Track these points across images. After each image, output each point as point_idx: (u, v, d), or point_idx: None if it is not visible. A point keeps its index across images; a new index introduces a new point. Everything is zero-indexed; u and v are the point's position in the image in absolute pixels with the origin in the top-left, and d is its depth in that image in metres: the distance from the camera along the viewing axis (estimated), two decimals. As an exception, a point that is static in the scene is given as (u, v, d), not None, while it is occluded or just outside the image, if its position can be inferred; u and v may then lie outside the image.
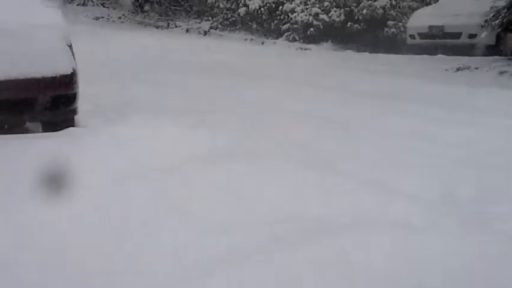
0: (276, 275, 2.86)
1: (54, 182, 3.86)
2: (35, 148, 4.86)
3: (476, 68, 13.57)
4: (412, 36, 17.57)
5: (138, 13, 25.91)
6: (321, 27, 20.18)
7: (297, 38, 20.34)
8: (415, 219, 3.51)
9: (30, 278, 3.08)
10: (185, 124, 5.36)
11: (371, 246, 3.03)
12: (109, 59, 12.81)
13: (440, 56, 15.46)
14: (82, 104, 6.44)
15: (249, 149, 4.64)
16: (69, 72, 6.05)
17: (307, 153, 5.25)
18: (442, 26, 16.48)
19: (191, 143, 4.50)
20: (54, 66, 5.98)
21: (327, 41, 20.11)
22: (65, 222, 3.52)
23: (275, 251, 3.04)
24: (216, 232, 3.31)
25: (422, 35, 17.12)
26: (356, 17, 20.51)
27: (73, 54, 6.24)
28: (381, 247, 3.02)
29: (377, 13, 20.51)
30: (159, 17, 25.31)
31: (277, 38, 20.91)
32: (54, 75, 5.95)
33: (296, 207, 3.56)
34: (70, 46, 6.25)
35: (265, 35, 21.50)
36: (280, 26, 21.05)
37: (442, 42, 16.36)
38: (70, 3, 25.20)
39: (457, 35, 16.27)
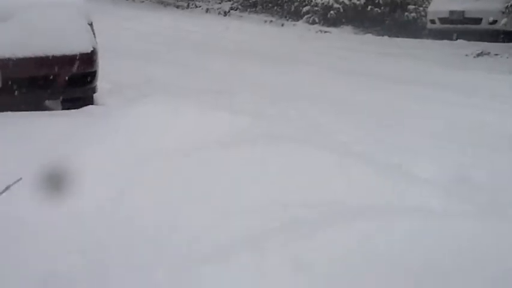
0: (294, 259, 2.88)
1: (72, 161, 3.89)
2: (53, 126, 4.89)
3: (496, 54, 13.52)
4: (432, 21, 17.50)
5: (158, -8, 25.87)
6: (341, 10, 20.12)
7: (317, 21, 20.30)
8: (433, 204, 3.52)
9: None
10: (204, 105, 5.37)
11: (390, 231, 3.03)
12: (129, 38, 12.84)
13: (460, 41, 15.40)
14: (101, 83, 6.47)
15: (268, 131, 4.65)
16: (89, 51, 6.08)
17: (325, 136, 5.26)
18: (463, 12, 16.40)
19: (211, 125, 4.51)
20: (75, 44, 6.02)
21: (347, 24, 20.06)
22: (82, 203, 3.55)
23: (293, 235, 3.05)
24: (234, 214, 3.33)
25: (442, 20, 17.04)
26: (377, 1, 20.42)
27: (93, 33, 6.27)
28: (400, 233, 3.02)
29: (398, -3, 20.43)
30: (180, -3, 25.29)
31: (297, 20, 20.87)
32: (74, 53, 5.99)
33: (315, 191, 3.57)
34: (91, 24, 6.27)
35: (285, 17, 21.47)
36: (301, 8, 21.01)
37: (463, 28, 16.28)
38: (91, -19, 25.23)
39: (478, 21, 16.19)
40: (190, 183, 3.68)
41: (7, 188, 2.56)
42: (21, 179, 2.66)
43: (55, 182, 3.68)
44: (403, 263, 2.84)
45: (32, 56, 5.80)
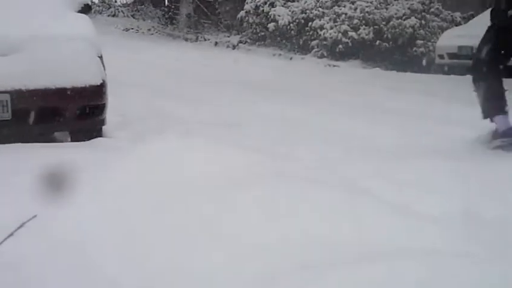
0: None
1: (84, 196, 3.87)
2: (62, 157, 4.88)
3: (505, 90, 13.49)
4: (441, 56, 17.52)
5: (167, 25, 26.06)
6: (350, 44, 20.18)
7: (326, 55, 20.37)
8: (441, 246, 3.48)
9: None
10: (216, 141, 5.35)
11: (399, 277, 2.99)
12: (138, 71, 12.88)
13: (468, 76, 15.35)
14: (109, 115, 6.47)
15: (278, 169, 4.62)
16: (98, 83, 6.09)
17: (334, 173, 5.22)
18: (472, 47, 16.38)
19: (222, 162, 4.50)
20: (84, 77, 6.02)
21: (355, 58, 20.12)
22: (91, 240, 3.52)
23: (305, 277, 3.02)
24: (245, 255, 3.30)
25: (451, 55, 17.06)
26: (385, 36, 20.49)
27: (103, 65, 6.28)
28: (409, 278, 2.98)
29: (406, 32, 20.49)
30: (188, 30, 25.46)
31: (306, 54, 20.95)
32: (84, 86, 5.99)
33: (325, 232, 3.54)
34: (100, 57, 6.29)
35: (294, 51, 21.56)
36: (309, 42, 21.09)
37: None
38: (101, 14, 25.44)
39: (487, 56, 16.19)
40: (202, 223, 3.65)
41: (21, 225, 2.51)
42: (36, 216, 2.61)
43: (65, 215, 3.66)
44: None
45: (42, 87, 5.81)
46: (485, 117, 6.83)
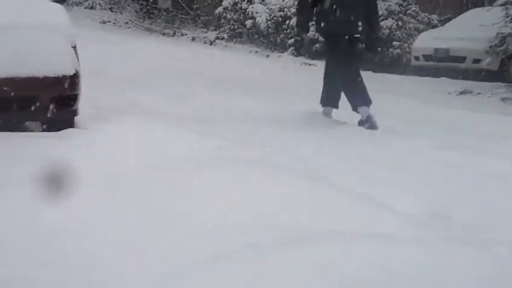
0: (250, 280, 2.89)
1: (40, 181, 3.87)
2: (32, 147, 4.86)
3: (479, 93, 13.61)
4: (416, 58, 17.62)
5: (145, 19, 25.92)
6: (327, 44, 20.19)
7: (302, 53, 20.38)
8: (401, 233, 3.52)
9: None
10: (177, 128, 5.36)
11: (349, 255, 3.04)
12: (113, 64, 12.81)
13: (443, 78, 15.49)
14: (82, 106, 6.44)
15: (239, 155, 4.64)
16: (71, 73, 6.04)
17: (301, 164, 5.24)
18: (447, 50, 16.50)
19: (181, 146, 4.50)
20: (57, 67, 5.98)
21: (331, 57, 20.11)
22: (51, 219, 3.52)
23: (252, 257, 3.06)
24: (196, 236, 3.33)
25: (427, 57, 17.15)
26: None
27: (77, 56, 6.24)
28: (359, 256, 3.03)
29: (383, 33, 20.54)
30: (166, 24, 25.34)
31: (282, 52, 20.95)
32: (56, 75, 5.95)
33: (281, 216, 3.57)
34: (74, 47, 6.25)
35: (271, 49, 21.54)
36: (286, 40, 21.08)
37: (447, 66, 16.38)
38: (78, 5, 25.26)
39: (462, 59, 16.29)
40: (154, 204, 3.68)
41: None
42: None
43: (34, 200, 3.66)
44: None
45: (14, 76, 5.77)
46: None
